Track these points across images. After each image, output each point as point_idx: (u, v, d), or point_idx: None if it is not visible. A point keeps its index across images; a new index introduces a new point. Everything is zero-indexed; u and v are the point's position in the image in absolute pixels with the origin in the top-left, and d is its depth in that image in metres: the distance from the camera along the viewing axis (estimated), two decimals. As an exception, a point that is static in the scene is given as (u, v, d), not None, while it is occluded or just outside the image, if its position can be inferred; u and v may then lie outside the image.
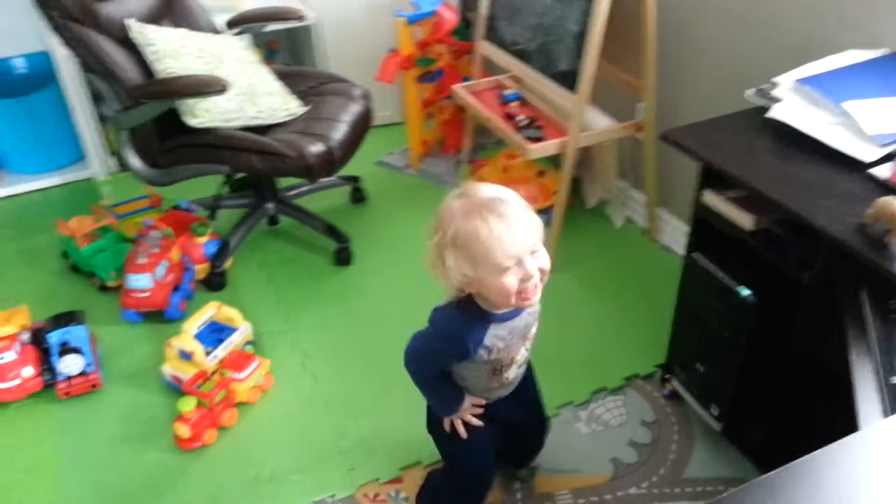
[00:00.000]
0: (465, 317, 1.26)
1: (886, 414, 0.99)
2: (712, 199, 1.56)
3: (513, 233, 1.14)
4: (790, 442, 1.58)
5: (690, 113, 2.18)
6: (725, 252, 1.58)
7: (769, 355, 1.57)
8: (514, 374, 1.40)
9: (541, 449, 1.71)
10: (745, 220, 1.49)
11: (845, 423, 1.03)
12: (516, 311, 1.28)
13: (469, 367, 1.34)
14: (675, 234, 2.43)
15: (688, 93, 2.22)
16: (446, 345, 1.29)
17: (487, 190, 1.19)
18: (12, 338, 1.92)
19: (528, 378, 1.53)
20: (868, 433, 0.88)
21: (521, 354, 1.38)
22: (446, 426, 1.43)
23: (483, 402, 1.43)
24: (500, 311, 1.26)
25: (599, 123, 2.33)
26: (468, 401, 1.41)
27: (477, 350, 1.27)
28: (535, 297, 1.22)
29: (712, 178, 1.54)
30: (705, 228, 1.61)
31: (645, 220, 2.52)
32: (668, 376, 1.87)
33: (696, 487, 1.69)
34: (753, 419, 1.66)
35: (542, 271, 1.20)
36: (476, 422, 1.42)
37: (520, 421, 1.58)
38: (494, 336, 1.27)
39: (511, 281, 1.16)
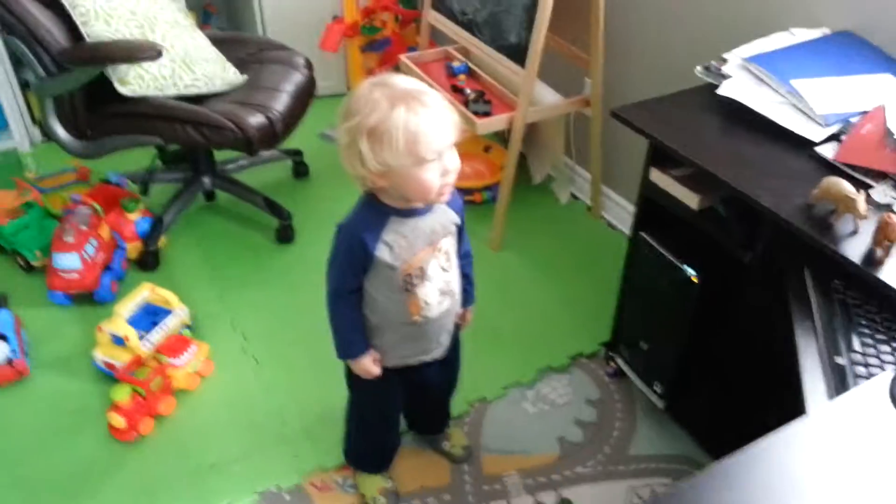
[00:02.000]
0: (364, 212, 1.26)
1: (832, 394, 1.00)
2: (659, 178, 1.55)
3: (438, 125, 1.13)
4: (732, 419, 1.61)
5: (638, 89, 2.17)
6: (671, 230, 1.58)
7: (713, 334, 1.59)
8: (432, 299, 1.32)
9: (448, 418, 1.71)
10: (690, 199, 1.49)
11: (788, 400, 1.04)
12: (420, 210, 1.25)
13: (380, 281, 1.28)
14: (620, 211, 2.44)
15: (636, 68, 2.21)
16: (347, 246, 1.26)
17: (406, 81, 1.16)
18: (-74, 324, 1.80)
19: (455, 348, 1.53)
20: (815, 416, 0.89)
21: (434, 269, 1.30)
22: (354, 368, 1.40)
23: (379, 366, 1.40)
24: (400, 207, 1.23)
25: (547, 98, 2.30)
26: (370, 355, 1.37)
27: (376, 244, 1.23)
28: (447, 197, 1.23)
29: (660, 155, 1.53)
30: (651, 207, 1.61)
31: (589, 197, 2.52)
32: (612, 354, 1.88)
33: (640, 464, 1.72)
34: (696, 397, 1.69)
35: (455, 169, 1.20)
36: (376, 371, 1.38)
37: (436, 391, 1.59)
38: (394, 232, 1.24)
39: (433, 174, 1.16)
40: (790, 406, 0.99)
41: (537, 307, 2.14)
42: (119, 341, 1.83)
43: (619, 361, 1.84)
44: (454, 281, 1.37)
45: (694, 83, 1.60)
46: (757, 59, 1.55)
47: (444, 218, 1.29)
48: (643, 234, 1.63)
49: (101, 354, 1.85)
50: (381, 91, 1.13)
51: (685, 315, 1.55)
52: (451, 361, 1.52)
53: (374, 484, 1.62)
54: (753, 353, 1.54)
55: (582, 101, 2.29)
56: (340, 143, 1.17)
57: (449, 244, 1.32)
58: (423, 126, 1.11)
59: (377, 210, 1.23)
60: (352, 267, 1.27)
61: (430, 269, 1.30)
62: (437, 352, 1.43)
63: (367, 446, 1.62)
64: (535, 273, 2.27)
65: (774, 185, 1.31)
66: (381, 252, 1.24)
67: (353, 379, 1.46)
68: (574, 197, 2.60)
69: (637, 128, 1.50)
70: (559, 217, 2.52)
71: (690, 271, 1.51)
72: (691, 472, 1.70)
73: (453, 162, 1.19)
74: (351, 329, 1.35)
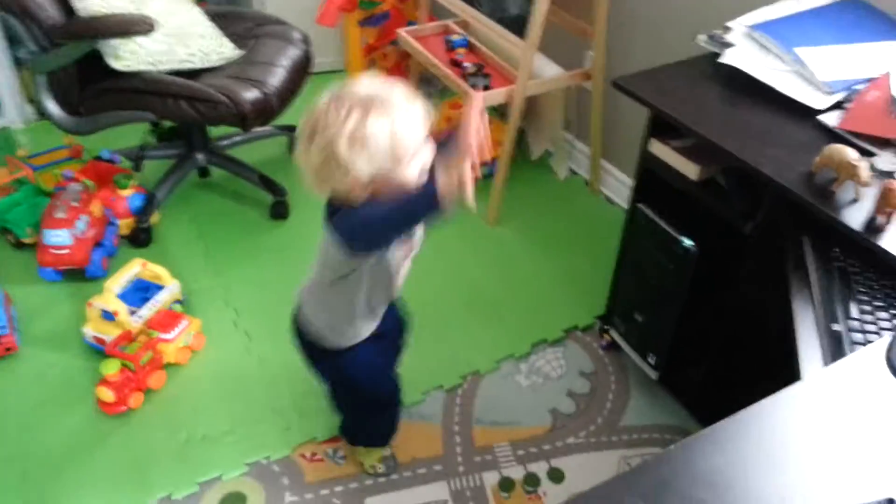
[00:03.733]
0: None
1: (827, 361, 0.98)
2: (659, 149, 1.53)
3: (411, 123, 1.12)
4: (726, 391, 1.59)
5: (640, 62, 2.12)
6: (669, 202, 1.56)
7: (708, 305, 1.57)
8: (406, 271, 1.39)
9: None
10: (690, 169, 1.47)
11: (784, 373, 1.02)
12: None
13: (383, 264, 1.29)
14: (619, 186, 2.40)
15: (638, 40, 2.16)
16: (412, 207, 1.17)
17: (366, 86, 1.13)
18: (-85, 298, 1.78)
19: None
20: (810, 382, 0.88)
21: (418, 240, 1.36)
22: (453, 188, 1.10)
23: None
24: None
25: (547, 71, 2.26)
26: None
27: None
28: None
29: (660, 126, 1.50)
30: (650, 178, 1.58)
31: (588, 172, 2.48)
32: (606, 327, 1.87)
33: (631, 435, 1.71)
34: (690, 369, 1.68)
35: (431, 158, 1.19)
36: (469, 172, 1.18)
37: (398, 331, 1.60)
38: None
39: (413, 171, 1.15)
40: (786, 378, 0.97)
41: (533, 281, 2.12)
42: (109, 316, 1.81)
43: (614, 334, 1.83)
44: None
45: (696, 53, 1.56)
46: (761, 27, 1.51)
47: None
48: (641, 206, 1.60)
49: (91, 330, 1.83)
50: (347, 102, 1.10)
51: (682, 286, 1.53)
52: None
53: (374, 453, 1.62)
54: (749, 325, 1.52)
55: (583, 75, 2.25)
56: (310, 165, 1.13)
57: (419, 237, 1.35)
58: (399, 126, 1.10)
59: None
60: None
61: (417, 242, 1.35)
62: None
63: (382, 424, 1.60)
64: (531, 247, 2.24)
65: (776, 154, 1.29)
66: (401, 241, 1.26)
67: (352, 369, 1.43)
68: (573, 172, 2.57)
69: (638, 97, 1.47)
70: (557, 192, 2.49)
71: (688, 242, 1.48)
72: (684, 442, 1.69)
73: (429, 153, 1.18)
74: (405, 199, 1.16)
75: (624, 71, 1.73)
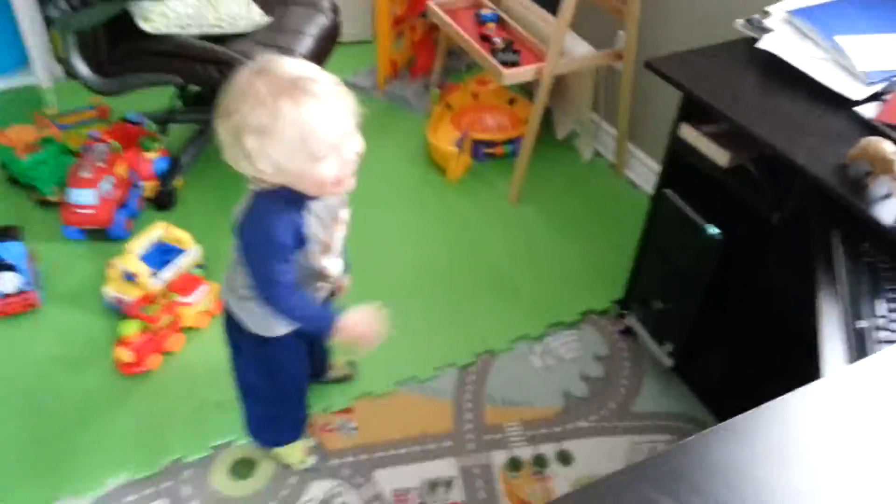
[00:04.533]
0: (282, 202, 1.12)
1: (851, 359, 0.96)
2: (689, 133, 1.50)
3: (330, 116, 1.03)
4: (741, 382, 1.58)
5: (673, 43, 2.07)
6: (696, 189, 1.53)
7: (729, 296, 1.55)
8: (334, 266, 1.29)
9: (327, 353, 1.67)
10: (720, 156, 1.44)
11: (804, 366, 1.00)
12: None
13: (300, 262, 1.21)
14: (644, 170, 2.37)
15: (672, 21, 2.11)
16: (281, 238, 1.13)
17: (291, 65, 1.05)
18: (-58, 251, 1.80)
19: None
20: (832, 379, 0.86)
21: (337, 241, 1.26)
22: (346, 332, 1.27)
23: None
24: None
25: (578, 50, 2.22)
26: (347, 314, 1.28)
27: (303, 225, 1.15)
28: (351, 184, 1.13)
29: (691, 110, 1.47)
30: (678, 163, 1.55)
31: (614, 155, 2.45)
32: (624, 312, 1.85)
33: (643, 421, 1.70)
34: (705, 358, 1.66)
35: (357, 155, 1.11)
36: (366, 316, 1.29)
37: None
38: (315, 215, 1.17)
39: (329, 169, 1.07)
40: (805, 372, 0.95)
41: (552, 262, 2.10)
42: (130, 278, 1.82)
43: (631, 319, 1.82)
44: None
45: (733, 37, 1.53)
46: (801, 12, 1.47)
47: None
48: (667, 192, 1.57)
49: (112, 290, 1.84)
50: (262, 82, 1.01)
51: (704, 275, 1.51)
52: None
53: (296, 449, 1.58)
54: (772, 317, 1.50)
55: (614, 55, 2.20)
56: (222, 141, 1.06)
57: (346, 214, 1.26)
58: (313, 121, 1.01)
59: (291, 197, 1.13)
60: (289, 261, 1.17)
61: (334, 241, 1.25)
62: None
63: (286, 422, 1.54)
64: (552, 228, 2.22)
65: (810, 143, 1.26)
66: (310, 230, 1.16)
67: (267, 365, 1.39)
68: (598, 154, 2.53)
69: (671, 79, 1.44)
70: (581, 174, 2.46)
71: (714, 230, 1.45)
72: (695, 431, 1.65)
73: (353, 149, 1.09)
74: (316, 306, 1.28)
75: (656, 53, 1.69)
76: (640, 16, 2.10)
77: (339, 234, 1.26)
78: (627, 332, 1.88)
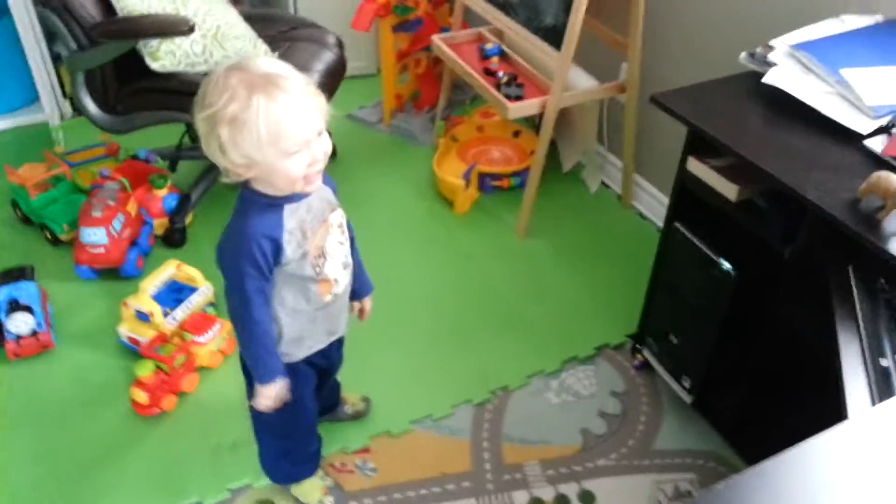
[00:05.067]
0: (255, 212, 1.16)
1: (874, 399, 0.96)
2: (697, 167, 1.51)
3: (301, 112, 1.07)
4: (762, 417, 1.57)
5: (677, 76, 2.11)
6: (706, 222, 1.54)
7: (745, 329, 1.54)
8: (338, 275, 1.29)
9: (339, 387, 1.68)
10: (729, 190, 1.45)
11: (826, 401, 1.00)
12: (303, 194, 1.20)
13: (288, 274, 1.22)
14: (651, 201, 2.38)
15: (675, 54, 2.14)
16: (252, 257, 1.15)
17: (266, 63, 1.10)
18: (-44, 294, 1.81)
19: None
20: (859, 421, 0.86)
21: (333, 245, 1.27)
22: (260, 403, 1.30)
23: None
24: (286, 194, 1.17)
25: (582, 83, 2.25)
26: (285, 378, 1.30)
27: (283, 238, 1.16)
28: (318, 182, 1.17)
29: (698, 144, 1.48)
30: (686, 197, 1.56)
31: (620, 186, 2.47)
32: (639, 347, 1.84)
33: (664, 459, 1.69)
34: (725, 393, 1.65)
35: (325, 154, 1.14)
36: (287, 395, 1.31)
37: (335, 368, 1.55)
38: (292, 219, 1.18)
39: (298, 165, 1.10)
40: (827, 408, 0.96)
41: (563, 296, 2.10)
42: (144, 317, 1.83)
43: (647, 354, 1.80)
44: (349, 253, 1.34)
45: (736, 70, 1.55)
46: (805, 46, 1.49)
47: (323, 193, 1.25)
48: (677, 225, 1.58)
49: (126, 330, 1.85)
50: (237, 76, 1.05)
51: (719, 309, 1.51)
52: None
53: (314, 488, 1.57)
54: (788, 351, 1.50)
55: (617, 87, 2.23)
56: (199, 132, 1.10)
57: (337, 217, 1.28)
58: (284, 115, 1.05)
59: (266, 205, 1.16)
60: (263, 274, 1.19)
61: (329, 246, 1.26)
62: (342, 328, 1.41)
63: (300, 455, 1.54)
64: (561, 261, 2.23)
65: (820, 178, 1.26)
66: (290, 244, 1.18)
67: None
68: (604, 185, 2.55)
69: (677, 114, 1.45)
70: (588, 206, 2.47)
71: (727, 265, 1.46)
72: (717, 469, 1.66)
73: (322, 148, 1.13)
74: (273, 349, 1.28)
75: (659, 85, 1.72)
76: (642, 49, 2.13)
77: (333, 239, 1.26)
78: (644, 366, 1.87)
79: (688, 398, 1.67)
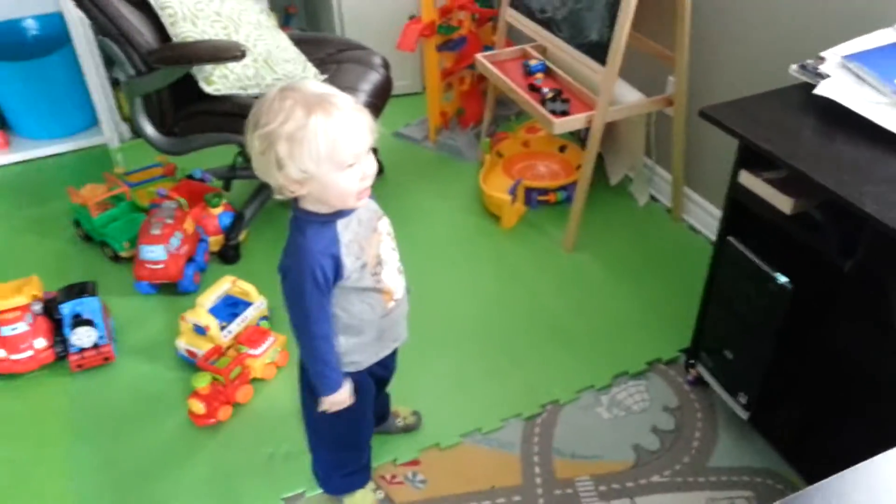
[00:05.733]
0: (312, 233, 1.20)
1: (941, 415, 0.93)
2: (749, 180, 1.49)
3: (354, 127, 1.12)
4: (821, 434, 1.54)
5: (725, 88, 2.10)
6: (760, 235, 1.52)
7: (802, 343, 1.52)
8: (395, 280, 1.33)
9: (389, 397, 1.70)
10: (783, 203, 1.43)
11: (884, 417, 0.98)
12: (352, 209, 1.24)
13: (349, 288, 1.26)
14: (702, 214, 2.36)
15: (723, 67, 2.13)
16: (313, 276, 1.20)
17: (316, 86, 1.15)
18: (24, 308, 1.89)
19: None
20: None
21: (386, 252, 1.31)
22: (326, 405, 1.35)
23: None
24: (336, 209, 1.21)
25: (628, 97, 2.25)
26: (347, 386, 1.35)
27: (341, 254, 1.21)
28: (366, 197, 1.21)
29: (750, 157, 1.47)
30: (739, 210, 1.55)
31: (669, 199, 2.45)
32: (692, 362, 1.82)
33: (720, 477, 1.65)
34: (782, 409, 1.62)
35: (373, 171, 1.19)
36: (351, 399, 1.36)
37: (390, 377, 1.57)
38: (346, 234, 1.22)
39: (352, 179, 1.15)
40: (888, 423, 0.94)
41: (612, 310, 2.09)
42: (201, 331, 1.88)
43: (701, 369, 1.78)
44: (399, 259, 1.37)
45: (785, 83, 1.53)
46: (857, 57, 1.47)
47: (369, 204, 1.28)
48: (731, 240, 1.56)
49: (184, 343, 1.91)
50: (292, 97, 1.11)
51: (775, 324, 1.48)
52: None
53: (366, 499, 1.60)
54: (846, 366, 1.47)
55: (664, 101, 2.23)
56: (253, 151, 1.14)
57: (385, 225, 1.33)
58: (340, 130, 1.10)
59: (321, 224, 1.21)
60: (325, 294, 1.23)
61: (384, 253, 1.30)
62: (404, 334, 1.43)
63: (353, 466, 1.56)
64: (610, 275, 2.22)
65: (877, 190, 1.24)
66: (349, 258, 1.22)
67: (329, 420, 1.40)
68: (653, 199, 2.54)
69: (727, 128, 1.44)
70: (637, 219, 2.46)
71: (783, 279, 1.44)
72: (775, 486, 1.62)
73: (370, 166, 1.18)
74: (335, 363, 1.32)
75: (707, 97, 1.71)
76: (689, 62, 2.12)
77: (385, 246, 1.31)
78: (697, 382, 1.84)
79: (744, 414, 1.64)
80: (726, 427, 1.76)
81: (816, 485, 0.74)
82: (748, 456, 1.69)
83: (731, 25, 2.06)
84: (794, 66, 1.54)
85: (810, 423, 1.55)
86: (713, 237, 1.89)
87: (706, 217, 2.33)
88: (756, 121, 1.45)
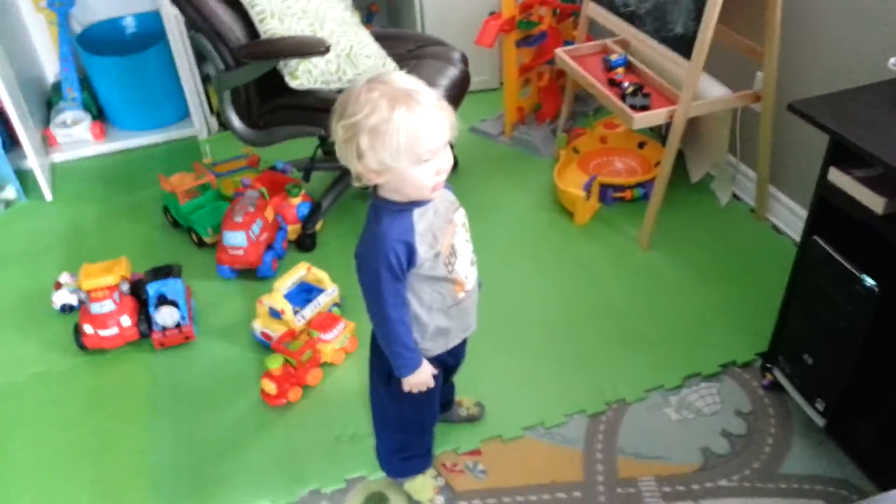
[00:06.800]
0: (388, 221, 1.23)
1: None
2: (839, 178, 1.42)
3: (435, 124, 1.14)
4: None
5: (815, 83, 2.00)
6: (847, 236, 1.44)
7: (887, 350, 1.43)
8: (468, 271, 1.34)
9: (454, 386, 1.71)
10: (875, 202, 1.35)
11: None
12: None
13: (422, 276, 1.27)
14: (788, 214, 2.25)
15: (814, 61, 2.03)
16: (388, 263, 1.22)
17: (403, 79, 1.17)
18: (112, 288, 2.00)
19: None
20: None
21: (460, 243, 1.32)
22: (408, 386, 1.38)
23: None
24: (412, 200, 1.23)
25: (712, 92, 2.18)
26: (428, 367, 1.38)
27: (416, 242, 1.23)
28: (440, 190, 1.23)
29: (841, 154, 1.40)
30: (827, 209, 1.47)
31: (753, 198, 2.35)
32: (769, 366, 1.74)
33: (791, 484, 1.59)
34: (862, 418, 1.53)
35: (449, 165, 1.21)
36: (432, 378, 1.39)
37: (458, 365, 1.58)
38: (422, 223, 1.24)
39: (428, 173, 1.17)
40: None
41: (686, 310, 2.03)
42: (276, 314, 1.95)
43: (777, 374, 1.70)
44: (473, 250, 1.38)
45: (880, 78, 1.45)
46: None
47: (446, 195, 1.30)
48: (817, 239, 1.49)
49: (260, 325, 1.98)
50: (379, 90, 1.13)
51: (860, 329, 1.40)
52: None
53: (426, 486, 1.61)
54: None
55: (751, 96, 2.14)
56: (337, 139, 1.18)
57: (461, 217, 1.33)
58: (421, 126, 1.12)
59: (397, 212, 1.23)
60: (400, 280, 1.26)
61: (458, 243, 1.31)
62: (474, 324, 1.44)
63: (416, 450, 1.59)
64: (686, 275, 2.15)
65: (980, 188, 1.16)
66: (423, 247, 1.24)
67: (398, 387, 1.41)
68: (736, 197, 2.44)
69: (818, 123, 1.38)
70: (717, 218, 2.37)
71: (870, 281, 1.36)
72: (849, 498, 1.54)
73: (447, 160, 1.20)
74: (412, 345, 1.34)
75: (797, 93, 1.63)
76: (779, 57, 2.03)
77: (460, 237, 1.32)
78: (773, 387, 1.77)
79: (821, 421, 1.56)
80: (801, 434, 1.68)
81: (884, 494, 0.70)
82: (822, 465, 1.62)
83: (824, 18, 1.96)
84: (893, 60, 1.45)
85: (891, 434, 1.46)
86: (798, 238, 1.81)
87: (791, 217, 2.23)
88: (848, 116, 1.38)
